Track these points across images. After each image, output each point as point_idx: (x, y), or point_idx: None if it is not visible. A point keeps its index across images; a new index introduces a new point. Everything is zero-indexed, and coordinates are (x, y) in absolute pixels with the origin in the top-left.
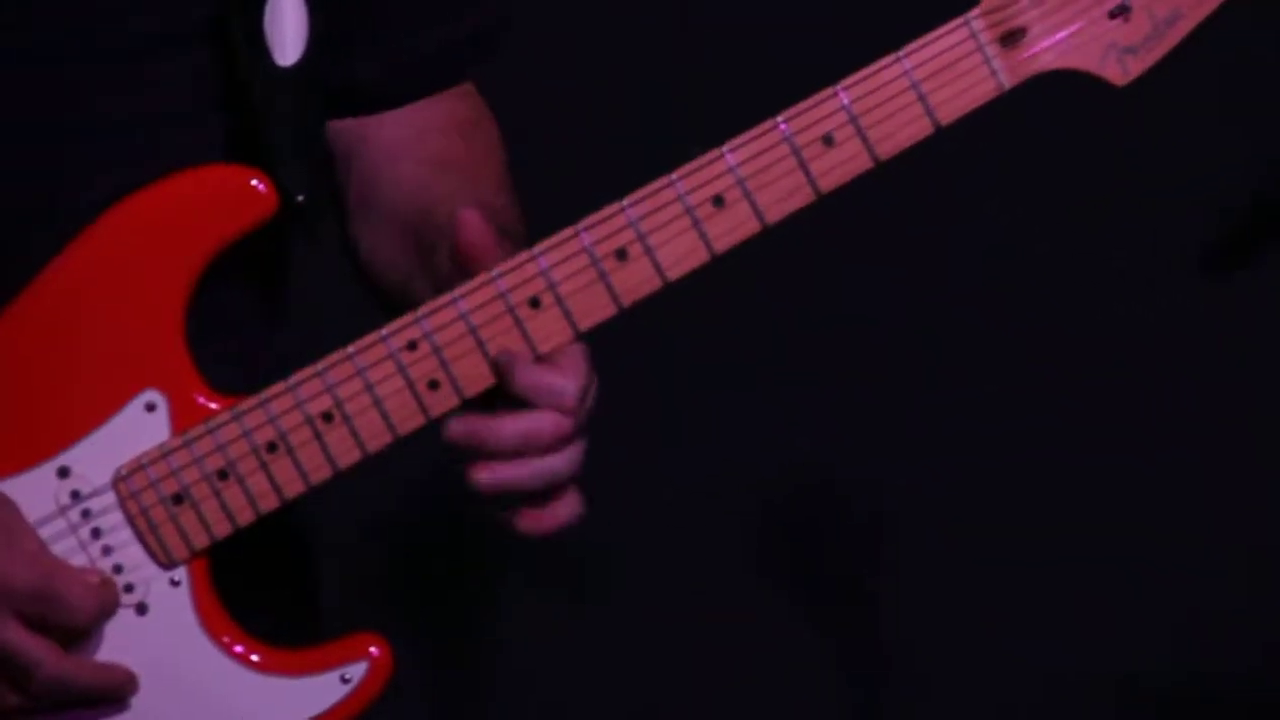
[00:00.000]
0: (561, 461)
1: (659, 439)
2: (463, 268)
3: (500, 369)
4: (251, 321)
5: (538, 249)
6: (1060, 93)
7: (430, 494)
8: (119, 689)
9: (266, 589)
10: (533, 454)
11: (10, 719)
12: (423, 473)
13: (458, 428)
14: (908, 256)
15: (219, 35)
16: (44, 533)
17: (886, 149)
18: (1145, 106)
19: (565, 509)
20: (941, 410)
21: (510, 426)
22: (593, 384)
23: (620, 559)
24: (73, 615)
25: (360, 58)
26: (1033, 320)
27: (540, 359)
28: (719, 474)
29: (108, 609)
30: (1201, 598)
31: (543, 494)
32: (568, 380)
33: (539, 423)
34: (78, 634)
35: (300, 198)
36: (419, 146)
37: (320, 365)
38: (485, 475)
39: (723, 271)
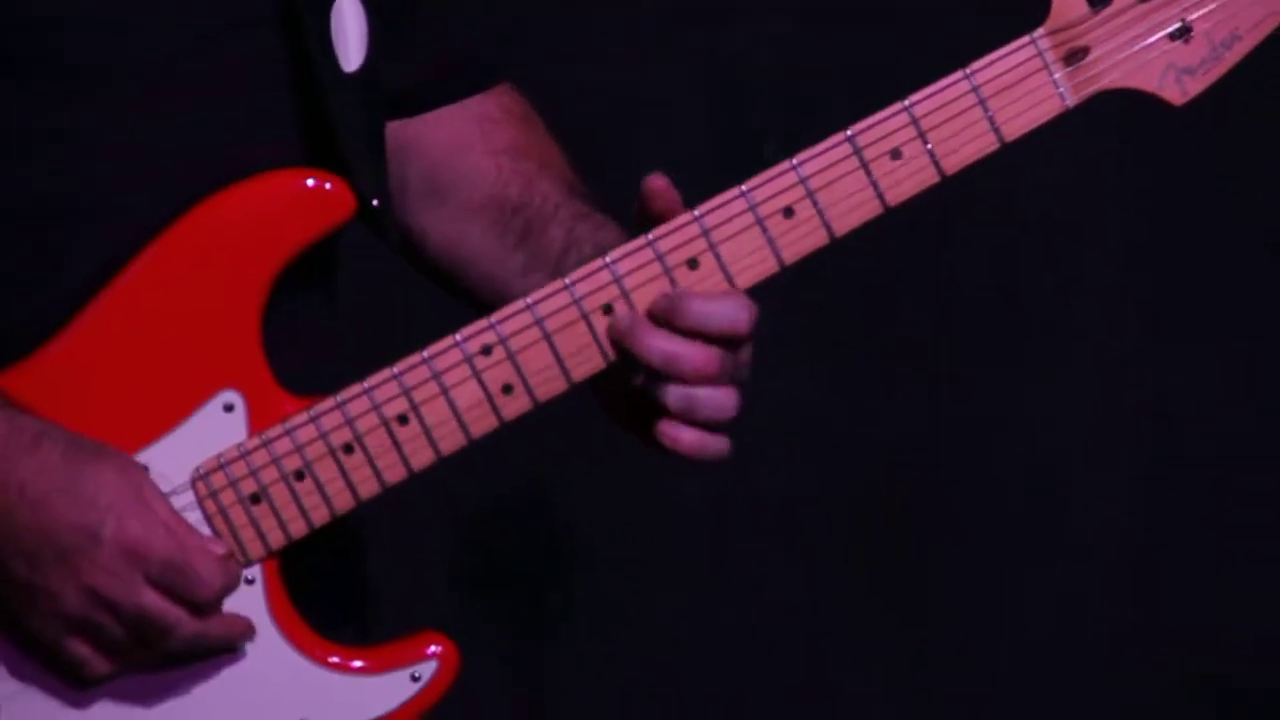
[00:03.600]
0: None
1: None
2: (654, 219)
3: (661, 312)
4: (316, 323)
5: (610, 256)
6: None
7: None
8: (243, 636)
9: (326, 587)
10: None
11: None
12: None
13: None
14: (989, 241)
15: (284, 24)
16: None
17: (952, 163)
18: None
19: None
20: (989, 397)
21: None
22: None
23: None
24: (201, 589)
25: (408, 60)
26: (1089, 310)
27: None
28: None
29: (231, 585)
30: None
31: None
32: (741, 307)
33: (699, 350)
34: (200, 608)
35: (375, 201)
36: (484, 139)
37: (397, 368)
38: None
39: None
